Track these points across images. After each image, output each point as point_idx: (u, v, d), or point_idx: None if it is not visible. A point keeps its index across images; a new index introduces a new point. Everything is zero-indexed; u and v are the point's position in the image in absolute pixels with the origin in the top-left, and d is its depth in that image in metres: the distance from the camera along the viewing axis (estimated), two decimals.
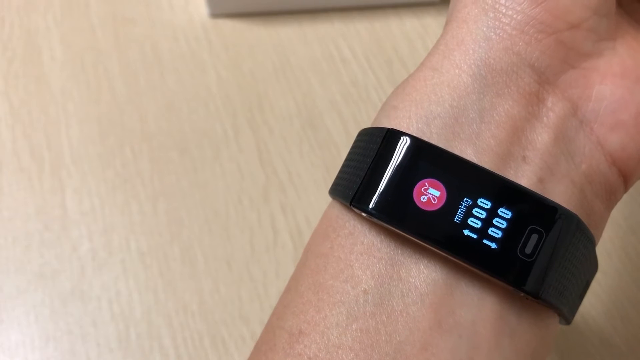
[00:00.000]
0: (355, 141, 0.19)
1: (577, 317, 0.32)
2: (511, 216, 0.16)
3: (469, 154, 0.17)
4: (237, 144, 0.37)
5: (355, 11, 0.41)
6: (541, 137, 0.18)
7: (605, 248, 0.34)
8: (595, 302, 0.33)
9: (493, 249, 0.16)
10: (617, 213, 0.35)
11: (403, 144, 0.17)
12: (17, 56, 0.40)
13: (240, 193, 0.35)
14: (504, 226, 0.16)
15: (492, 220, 0.16)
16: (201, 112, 0.38)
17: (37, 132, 0.37)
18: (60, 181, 0.36)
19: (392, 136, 0.17)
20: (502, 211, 0.16)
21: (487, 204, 0.16)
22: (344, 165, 0.19)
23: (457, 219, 0.16)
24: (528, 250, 0.16)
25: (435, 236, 0.16)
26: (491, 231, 0.16)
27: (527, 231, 0.16)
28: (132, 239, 0.34)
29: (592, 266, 0.19)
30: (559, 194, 0.17)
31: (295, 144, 0.37)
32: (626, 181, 0.19)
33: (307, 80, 0.39)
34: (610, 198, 0.19)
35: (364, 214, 0.17)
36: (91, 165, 0.36)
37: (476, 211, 0.16)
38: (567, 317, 0.19)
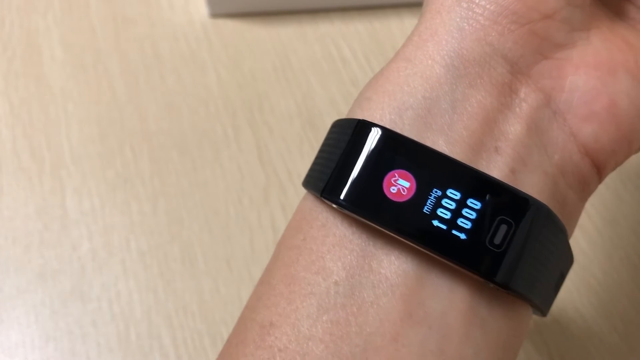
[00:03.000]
0: (328, 132, 0.19)
1: (577, 317, 0.32)
2: (480, 207, 0.16)
3: (441, 145, 0.17)
4: (237, 144, 0.37)
5: (355, 11, 0.41)
6: (514, 127, 0.17)
7: (605, 248, 0.34)
8: (595, 302, 0.33)
9: (462, 239, 0.16)
10: (618, 212, 0.35)
11: (373, 135, 0.17)
12: (17, 56, 0.40)
13: (240, 193, 0.35)
14: (473, 217, 0.16)
15: (461, 210, 0.16)
16: (201, 112, 0.38)
17: (37, 132, 0.37)
18: (60, 181, 0.36)
19: (362, 127, 0.17)
20: (471, 202, 0.16)
21: (457, 195, 0.16)
22: (316, 157, 0.19)
23: (426, 210, 0.16)
24: (497, 240, 0.16)
25: (404, 227, 0.16)
26: (460, 222, 0.16)
27: (496, 222, 0.16)
28: (132, 239, 0.34)
29: (565, 258, 0.19)
30: (531, 184, 0.17)
31: (295, 144, 0.37)
32: (599, 172, 0.19)
33: (307, 80, 0.39)
34: (584, 189, 0.19)
35: (334, 206, 0.17)
36: (91, 165, 0.36)
37: (445, 202, 0.16)
38: (541, 309, 0.18)
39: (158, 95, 0.39)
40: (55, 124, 0.38)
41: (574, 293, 0.33)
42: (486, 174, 0.17)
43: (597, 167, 0.19)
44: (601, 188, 0.35)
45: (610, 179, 0.36)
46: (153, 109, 0.38)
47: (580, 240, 0.34)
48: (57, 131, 0.37)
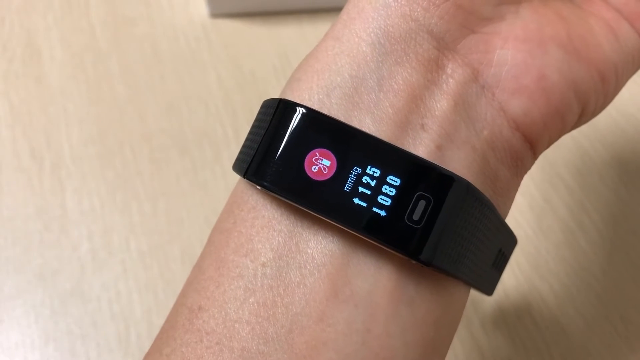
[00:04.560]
0: (257, 114, 0.19)
1: (577, 316, 0.32)
2: (400, 183, 0.16)
3: (368, 123, 0.17)
4: (237, 144, 0.37)
5: None
6: (440, 104, 0.17)
7: (606, 248, 0.34)
8: (595, 302, 0.33)
9: (382, 216, 0.16)
10: (618, 212, 0.35)
11: (294, 115, 0.17)
12: (17, 56, 0.40)
13: None
14: (392, 193, 0.16)
15: (381, 188, 0.16)
16: (201, 112, 0.38)
17: (37, 132, 0.37)
18: (60, 181, 0.36)
19: (284, 107, 0.17)
20: (391, 178, 0.16)
21: (377, 172, 0.16)
22: (245, 139, 0.19)
23: (347, 188, 0.16)
24: (416, 217, 0.16)
25: (326, 206, 0.16)
26: (380, 199, 0.16)
27: (414, 198, 0.16)
28: (132, 239, 0.34)
29: (499, 234, 0.19)
30: (459, 160, 0.17)
31: None
32: (533, 147, 0.19)
33: None
34: (517, 165, 0.19)
35: (258, 187, 0.17)
36: (91, 165, 0.36)
37: (366, 179, 0.16)
38: (477, 287, 0.18)
39: (158, 95, 0.39)
40: (55, 124, 0.38)
41: (574, 293, 0.33)
42: (405, 149, 0.16)
43: (530, 142, 0.19)
44: (601, 188, 0.35)
45: (611, 179, 0.36)
46: (153, 109, 0.38)
47: (581, 240, 0.34)
48: (57, 131, 0.37)
